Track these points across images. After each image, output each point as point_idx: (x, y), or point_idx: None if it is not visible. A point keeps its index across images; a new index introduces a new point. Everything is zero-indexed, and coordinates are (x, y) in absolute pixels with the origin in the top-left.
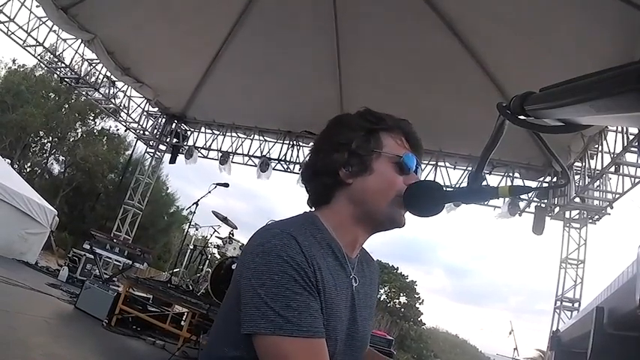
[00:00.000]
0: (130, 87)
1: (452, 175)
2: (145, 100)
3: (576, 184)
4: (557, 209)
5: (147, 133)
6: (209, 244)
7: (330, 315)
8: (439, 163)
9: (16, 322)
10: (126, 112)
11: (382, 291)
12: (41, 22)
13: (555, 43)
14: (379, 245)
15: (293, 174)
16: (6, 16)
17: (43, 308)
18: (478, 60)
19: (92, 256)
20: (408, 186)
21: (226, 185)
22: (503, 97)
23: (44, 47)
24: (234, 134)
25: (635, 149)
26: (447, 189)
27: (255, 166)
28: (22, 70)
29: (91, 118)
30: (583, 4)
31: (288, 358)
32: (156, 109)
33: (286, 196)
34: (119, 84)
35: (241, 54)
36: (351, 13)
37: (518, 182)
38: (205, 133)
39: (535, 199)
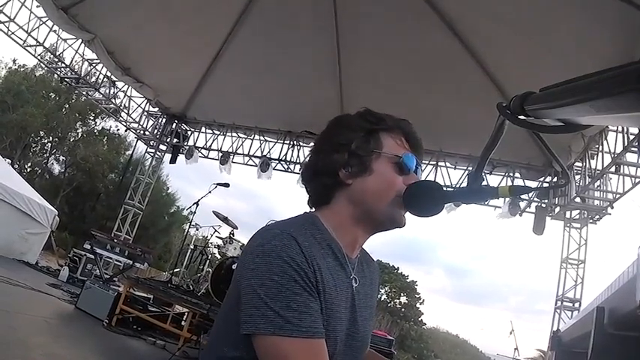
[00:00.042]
0: (130, 87)
1: (452, 175)
2: (146, 100)
3: (577, 184)
4: (557, 209)
5: (147, 133)
6: (209, 244)
7: (330, 315)
8: (439, 163)
9: (16, 322)
10: (126, 112)
11: (383, 291)
12: (41, 22)
13: (555, 43)
14: (379, 245)
15: (293, 174)
16: (6, 16)
17: (44, 308)
18: (478, 60)
19: (93, 256)
20: (407, 186)
21: (227, 185)
22: (503, 97)
23: (44, 47)
24: (234, 134)
25: (636, 149)
26: (447, 189)
27: (256, 166)
28: (22, 70)
29: (92, 118)
30: (583, 4)
31: (287, 358)
32: (156, 109)
33: (286, 196)
34: (119, 84)
35: (241, 54)
36: (351, 13)
37: (518, 182)
38: (205, 133)
39: (535, 199)
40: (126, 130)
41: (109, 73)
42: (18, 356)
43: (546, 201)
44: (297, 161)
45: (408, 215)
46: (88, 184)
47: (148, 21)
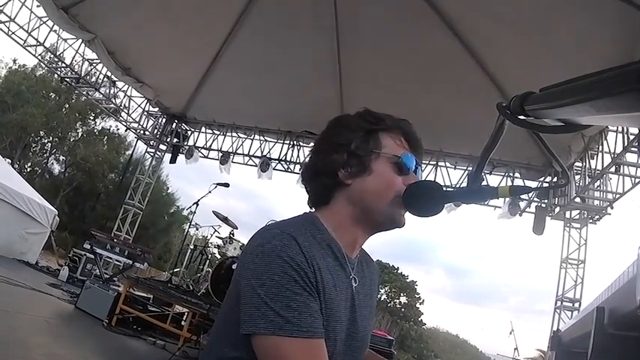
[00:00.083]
0: (130, 87)
1: (452, 175)
2: (146, 100)
3: (576, 184)
4: (557, 209)
5: (147, 133)
6: (209, 244)
7: (329, 315)
8: (439, 163)
9: (16, 322)
10: (126, 112)
11: (382, 291)
12: (42, 22)
13: (555, 43)
14: (379, 245)
15: (293, 174)
16: (6, 16)
17: (44, 308)
18: (478, 60)
19: (92, 256)
20: (407, 186)
21: (227, 185)
22: (503, 97)
23: (45, 47)
24: (234, 134)
25: (636, 149)
26: (447, 189)
27: (256, 166)
28: (22, 70)
29: (92, 118)
30: (583, 4)
31: (287, 358)
32: (156, 109)
33: (286, 196)
34: (119, 84)
35: (241, 54)
36: (351, 13)
37: (518, 182)
38: (206, 133)
39: (535, 199)
40: (126, 130)
41: (109, 73)
42: (18, 356)
43: (546, 201)
44: (297, 161)
45: (408, 215)
46: (88, 184)
47: (148, 21)
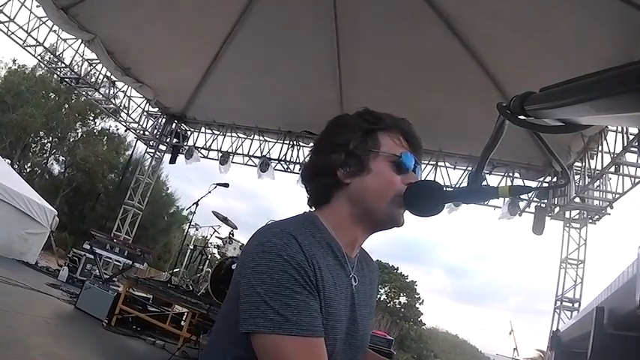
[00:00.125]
0: (130, 87)
1: (452, 175)
2: (145, 100)
3: (576, 184)
4: (557, 209)
5: (147, 133)
6: (209, 244)
7: (329, 314)
8: (439, 163)
9: (16, 322)
10: (126, 112)
11: (382, 291)
12: (41, 22)
13: (555, 43)
14: (379, 245)
15: (293, 174)
16: (6, 16)
17: (43, 308)
18: (478, 60)
19: (92, 256)
20: (408, 186)
21: (226, 185)
22: (503, 97)
23: (44, 47)
24: (234, 134)
25: (635, 149)
26: (447, 189)
27: (256, 166)
28: (22, 70)
29: (91, 118)
30: (581, 2)
31: (286, 357)
32: (156, 109)
33: (286, 196)
34: (119, 84)
35: (241, 54)
36: (351, 13)
37: (518, 182)
38: (205, 133)
39: (535, 199)
40: (126, 130)
41: (108, 73)
42: (18, 356)
43: (546, 201)
44: (297, 161)
45: (408, 215)
46: (88, 184)
47: (148, 21)
